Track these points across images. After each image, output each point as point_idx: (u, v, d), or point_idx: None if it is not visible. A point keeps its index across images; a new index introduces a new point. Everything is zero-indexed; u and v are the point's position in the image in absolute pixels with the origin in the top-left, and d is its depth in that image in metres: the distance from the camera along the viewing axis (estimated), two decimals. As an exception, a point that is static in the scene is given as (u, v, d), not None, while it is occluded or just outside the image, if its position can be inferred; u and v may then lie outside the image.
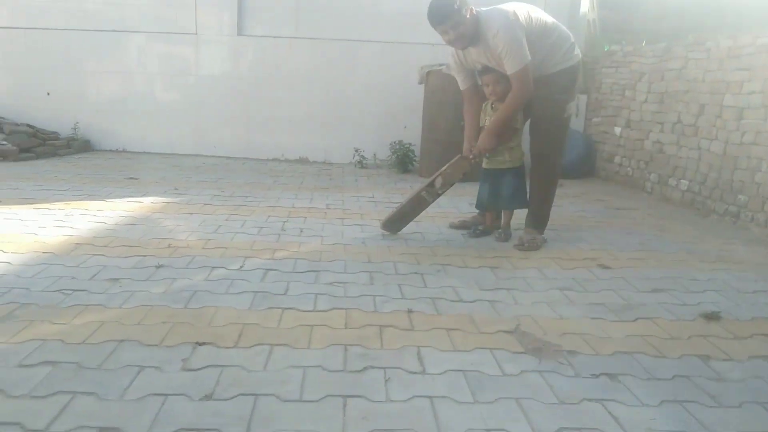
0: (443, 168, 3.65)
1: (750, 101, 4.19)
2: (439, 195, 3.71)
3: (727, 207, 4.36)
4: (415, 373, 1.95)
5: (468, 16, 3.26)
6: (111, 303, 2.43)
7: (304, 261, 3.10)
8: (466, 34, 3.31)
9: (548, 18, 3.50)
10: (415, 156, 6.46)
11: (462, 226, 3.92)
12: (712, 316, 2.55)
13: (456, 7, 3.22)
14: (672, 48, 5.21)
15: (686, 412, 1.79)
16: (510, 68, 3.26)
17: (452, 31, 3.29)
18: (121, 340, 2.08)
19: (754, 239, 3.91)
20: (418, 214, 3.77)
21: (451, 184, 3.68)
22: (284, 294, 2.61)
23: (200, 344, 2.08)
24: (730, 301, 2.77)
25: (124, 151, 7.07)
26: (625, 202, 5.12)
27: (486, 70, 3.47)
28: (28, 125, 6.61)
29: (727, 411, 1.81)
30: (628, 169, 5.83)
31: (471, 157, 3.57)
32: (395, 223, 3.73)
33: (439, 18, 3.28)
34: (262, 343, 2.11)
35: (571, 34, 3.58)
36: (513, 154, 3.62)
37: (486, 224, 3.83)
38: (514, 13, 3.27)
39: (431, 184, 3.66)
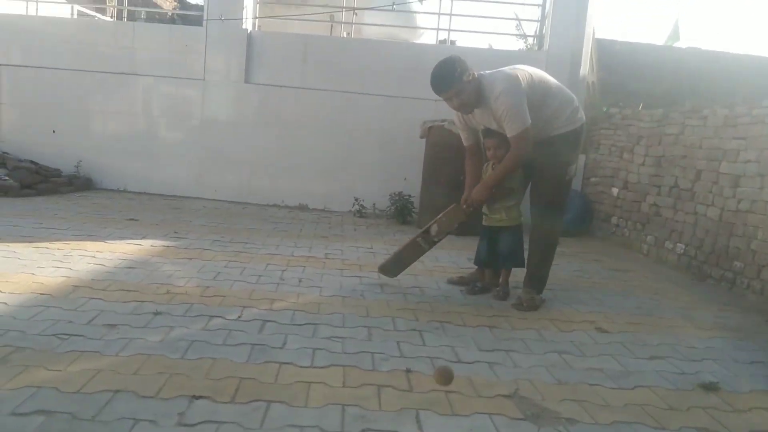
0: (439, 216, 3.70)
1: (746, 169, 4.27)
2: (435, 242, 3.73)
3: (723, 273, 4.39)
4: (413, 437, 1.93)
5: (470, 82, 3.34)
6: (107, 350, 2.41)
7: (302, 313, 3.09)
8: (469, 100, 3.40)
9: (552, 81, 3.58)
10: (414, 208, 6.51)
11: (460, 282, 3.93)
12: (710, 387, 2.54)
13: (457, 75, 3.30)
14: (669, 114, 5.33)
15: (686, 488, 1.77)
16: (510, 131, 3.32)
17: (455, 98, 3.38)
18: (117, 390, 2.06)
19: (750, 307, 3.92)
20: (415, 260, 3.83)
21: (447, 233, 3.70)
22: (282, 348, 2.59)
23: (197, 398, 2.06)
24: (728, 372, 2.76)
25: (125, 190, 7.11)
26: (621, 263, 5.15)
27: (488, 133, 3.54)
28: (32, 162, 6.66)
29: (728, 489, 1.79)
30: (625, 230, 5.89)
31: (464, 207, 3.60)
32: (392, 267, 3.79)
33: (442, 87, 3.37)
34: (259, 399, 2.09)
35: (575, 98, 3.65)
36: (510, 213, 3.66)
37: (484, 281, 3.84)
38: (516, 77, 3.35)
39: (427, 231, 3.70)
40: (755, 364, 2.90)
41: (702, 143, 4.81)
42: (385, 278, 3.88)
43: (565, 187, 3.63)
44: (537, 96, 3.40)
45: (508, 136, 3.37)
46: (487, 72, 3.45)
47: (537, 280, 3.64)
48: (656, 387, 2.52)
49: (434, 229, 3.67)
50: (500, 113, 3.32)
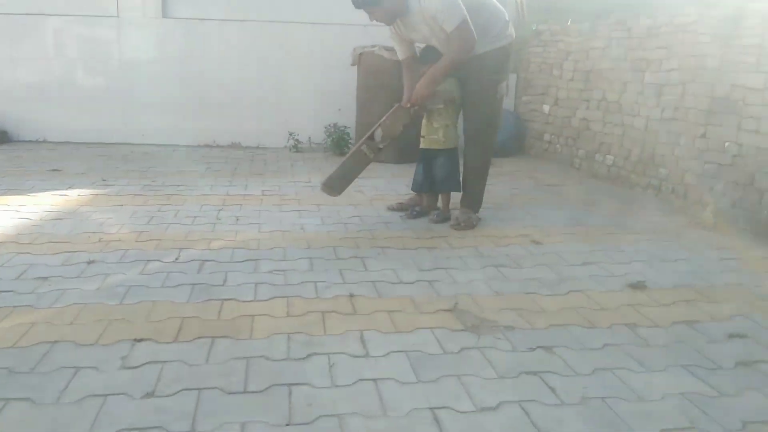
0: (382, 119, 3.50)
1: (669, 78, 4.39)
2: (380, 149, 3.52)
3: (650, 180, 4.57)
4: (358, 357, 1.98)
5: None
6: (41, 303, 2.33)
7: (241, 250, 3.06)
8: (389, 12, 3.32)
9: None
10: (350, 138, 6.44)
11: (399, 208, 3.96)
12: (638, 286, 2.69)
13: None
14: (596, 28, 5.37)
15: (616, 378, 1.89)
16: (449, 25, 3.24)
17: (373, 13, 3.33)
18: (55, 342, 2.01)
19: (674, 210, 4.13)
20: (360, 172, 3.58)
21: (393, 137, 3.51)
22: (223, 285, 2.58)
23: (138, 341, 2.04)
24: (654, 271, 2.92)
25: (44, 141, 6.72)
26: (554, 178, 5.29)
27: (425, 59, 3.47)
28: (-63, 117, 6.19)
29: (654, 375, 1.93)
30: (557, 146, 6.02)
31: (409, 106, 3.46)
32: (336, 182, 3.52)
33: (359, 1, 3.30)
34: (202, 336, 2.08)
35: (506, 13, 3.59)
36: (447, 134, 3.64)
37: (423, 205, 3.88)
38: None
39: (371, 137, 3.49)
40: (678, 261, 3.08)
41: (627, 55, 4.90)
42: (325, 210, 3.88)
43: (496, 106, 3.64)
44: (466, 6, 3.30)
45: (448, 32, 3.26)
46: None
47: (473, 199, 3.70)
48: (588, 290, 2.65)
49: (378, 134, 3.48)
50: (433, 12, 3.24)
